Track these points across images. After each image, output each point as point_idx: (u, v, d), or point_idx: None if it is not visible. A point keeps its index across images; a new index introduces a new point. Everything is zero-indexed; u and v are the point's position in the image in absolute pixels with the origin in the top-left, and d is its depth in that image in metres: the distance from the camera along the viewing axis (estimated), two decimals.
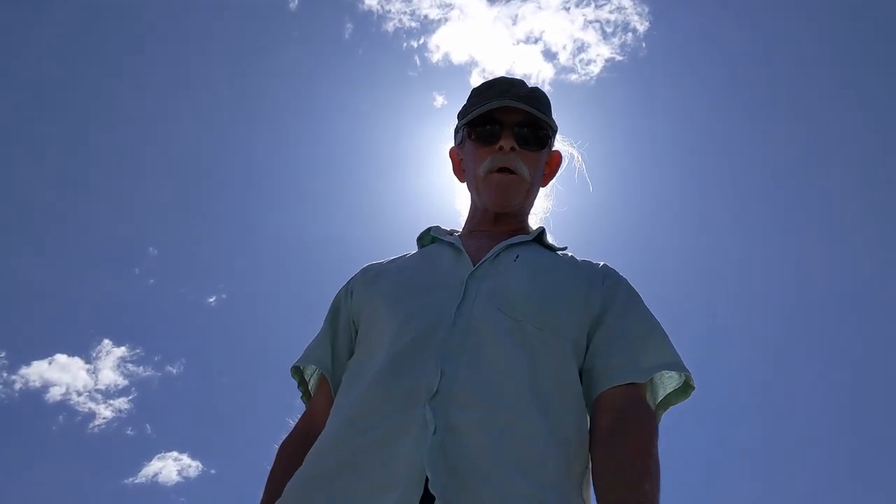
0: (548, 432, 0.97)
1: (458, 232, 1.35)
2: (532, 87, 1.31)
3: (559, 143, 1.39)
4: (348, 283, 1.30)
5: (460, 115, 1.37)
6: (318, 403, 1.21)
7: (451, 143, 1.41)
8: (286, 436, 1.21)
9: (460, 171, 1.39)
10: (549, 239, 1.30)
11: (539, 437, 0.96)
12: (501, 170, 1.26)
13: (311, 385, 1.27)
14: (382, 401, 0.99)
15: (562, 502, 0.92)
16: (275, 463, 1.17)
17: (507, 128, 1.26)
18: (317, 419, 1.16)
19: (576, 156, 1.41)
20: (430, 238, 1.32)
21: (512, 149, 1.25)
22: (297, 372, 1.27)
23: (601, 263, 1.26)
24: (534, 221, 1.36)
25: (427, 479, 0.88)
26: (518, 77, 1.33)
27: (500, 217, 1.30)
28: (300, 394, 1.28)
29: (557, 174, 1.41)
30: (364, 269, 1.30)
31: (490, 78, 1.34)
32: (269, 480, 1.14)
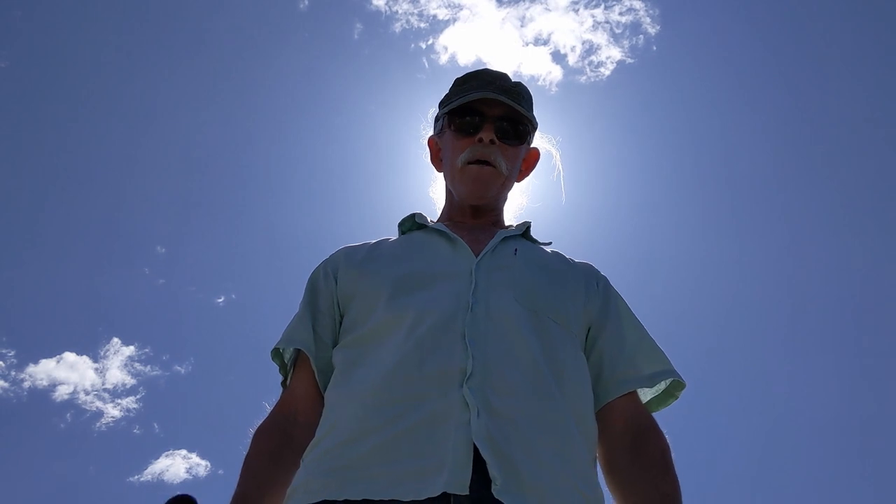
0: (575, 424, 1.02)
1: (434, 220, 1.33)
2: (515, 82, 1.31)
3: (540, 141, 1.39)
4: (324, 265, 1.26)
5: (441, 104, 1.36)
6: (298, 386, 1.17)
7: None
8: (264, 419, 1.16)
9: (438, 161, 1.38)
10: (534, 234, 1.31)
11: (570, 428, 1.01)
12: (479, 161, 1.25)
13: (289, 368, 1.22)
14: (414, 385, 0.97)
15: (595, 495, 0.99)
16: (252, 447, 1.11)
17: (488, 120, 1.25)
18: (296, 402, 1.15)
19: (555, 154, 1.41)
20: (414, 224, 1.31)
21: (491, 141, 1.24)
22: (277, 356, 1.21)
23: (587, 263, 1.29)
24: (508, 217, 1.36)
25: (474, 463, 0.89)
26: (503, 71, 1.32)
27: (478, 209, 1.30)
28: (280, 378, 1.23)
29: (534, 171, 1.40)
30: (345, 252, 1.26)
31: (476, 69, 1.34)
32: (247, 465, 1.09)
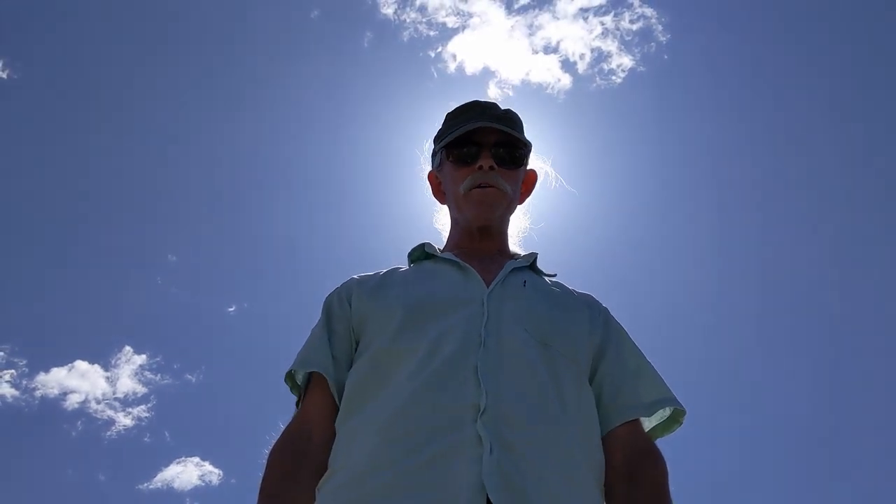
0: (583, 455, 1.05)
1: (441, 249, 1.37)
2: (505, 109, 1.37)
3: (536, 162, 1.43)
4: (338, 291, 1.29)
5: (437, 139, 1.41)
6: (314, 406, 1.17)
7: None
8: (278, 439, 1.16)
9: (440, 194, 1.42)
10: (540, 265, 1.34)
11: (578, 460, 1.03)
12: (482, 185, 1.29)
13: (301, 388, 1.23)
14: (427, 419, 0.99)
15: None
16: (268, 467, 1.12)
17: (485, 148, 1.30)
18: (310, 421, 1.15)
19: (550, 172, 1.46)
20: (424, 254, 1.34)
21: (491, 167, 1.29)
22: (289, 377, 1.22)
23: (588, 294, 1.32)
24: (512, 241, 1.40)
25: (487, 497, 0.90)
26: (493, 100, 1.38)
27: (484, 233, 1.33)
28: (294, 398, 1.23)
29: (533, 192, 1.45)
30: (358, 280, 1.29)
31: (465, 102, 1.39)
32: (263, 486, 1.09)
